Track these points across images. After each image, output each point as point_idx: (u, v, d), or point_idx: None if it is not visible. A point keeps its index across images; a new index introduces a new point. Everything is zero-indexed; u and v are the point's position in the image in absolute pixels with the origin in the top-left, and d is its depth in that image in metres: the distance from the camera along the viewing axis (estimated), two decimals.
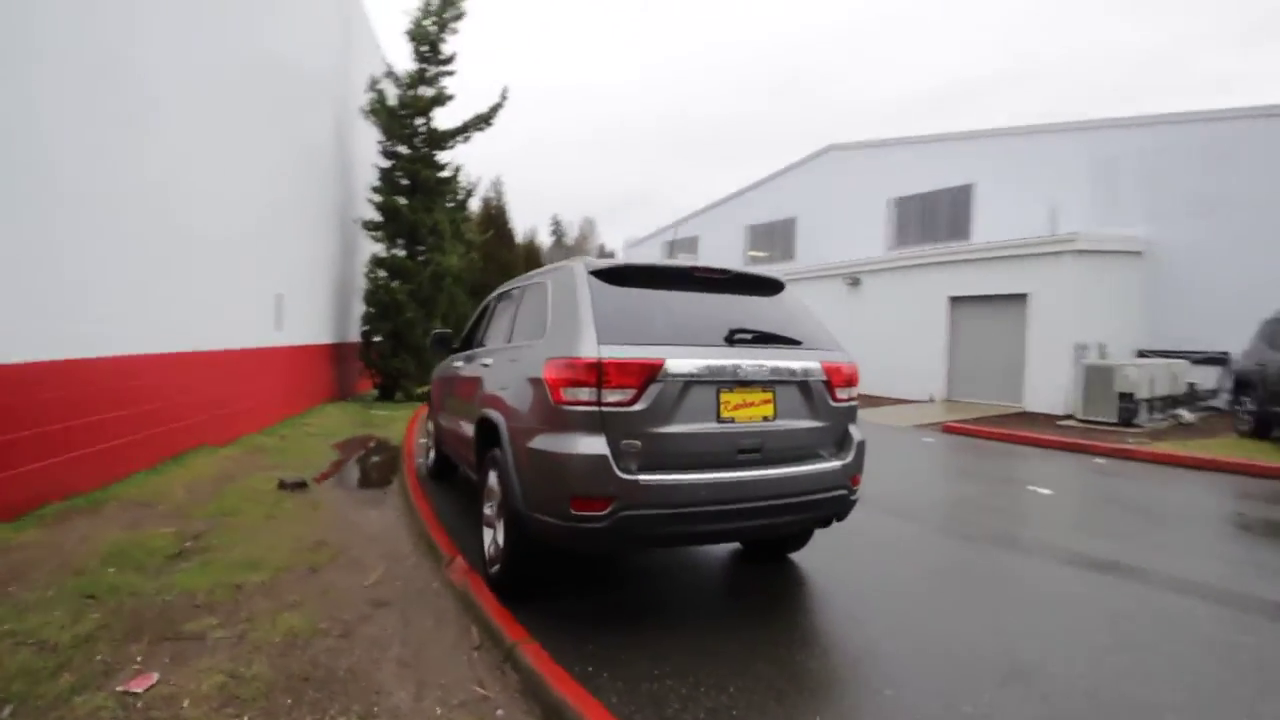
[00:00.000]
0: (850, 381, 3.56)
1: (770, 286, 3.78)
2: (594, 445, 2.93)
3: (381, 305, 11.64)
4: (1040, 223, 16.28)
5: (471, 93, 13.12)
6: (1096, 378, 11.06)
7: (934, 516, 5.51)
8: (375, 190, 12.10)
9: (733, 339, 3.27)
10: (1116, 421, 10.63)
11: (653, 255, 28.11)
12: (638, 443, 2.98)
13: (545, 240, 65.92)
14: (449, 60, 12.27)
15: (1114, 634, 3.27)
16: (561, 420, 3.01)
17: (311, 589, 3.48)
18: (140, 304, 5.66)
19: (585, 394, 2.97)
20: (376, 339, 11.99)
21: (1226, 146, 13.49)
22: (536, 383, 3.18)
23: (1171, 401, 11.50)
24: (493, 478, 3.68)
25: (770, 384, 3.27)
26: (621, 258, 29.03)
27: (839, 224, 20.44)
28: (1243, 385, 9.02)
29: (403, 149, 12.30)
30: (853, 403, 3.59)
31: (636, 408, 2.98)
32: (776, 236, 22.82)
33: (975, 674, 2.82)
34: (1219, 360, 13.30)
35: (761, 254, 24.32)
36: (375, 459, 7.31)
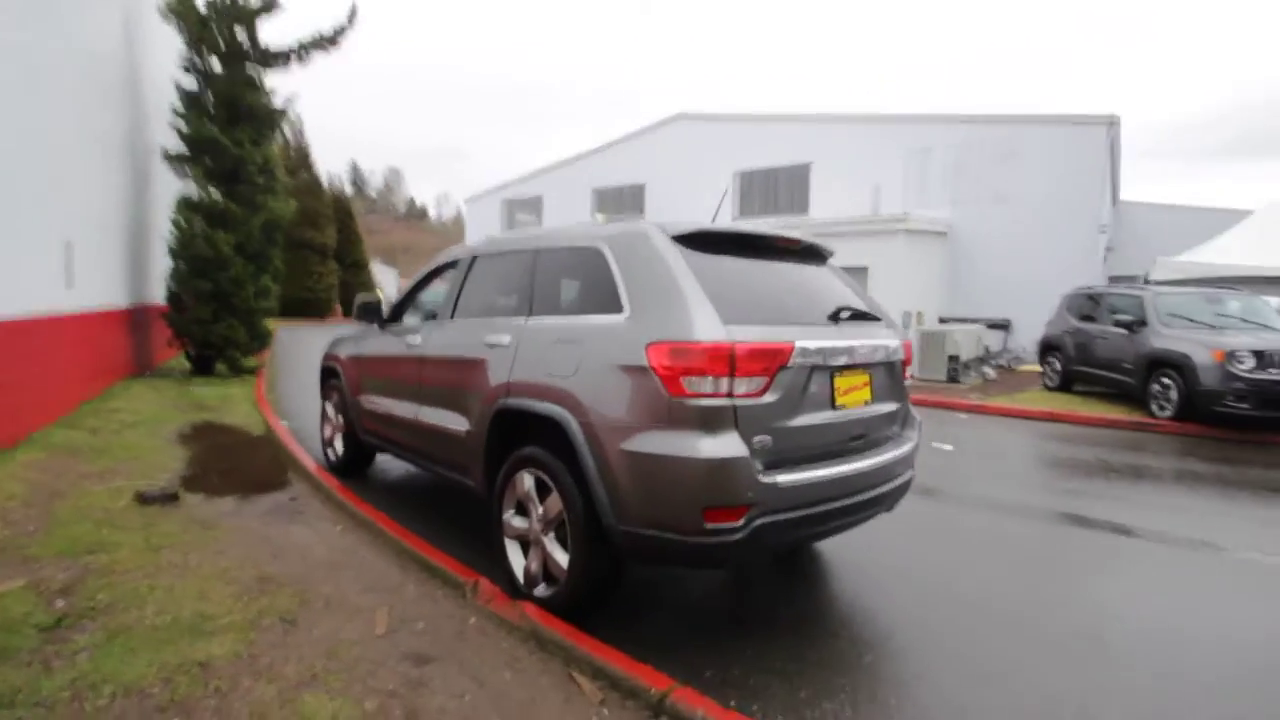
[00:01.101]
0: (910, 360, 3.47)
1: (822, 256, 3.52)
2: (731, 445, 2.47)
3: (198, 260, 9.34)
4: (865, 203, 18.03)
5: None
6: (930, 342, 12.59)
7: None
8: (180, 115, 9.58)
9: (837, 317, 2.97)
10: (945, 379, 12.22)
11: (492, 214, 26.45)
12: (769, 439, 2.57)
13: (346, 190, 59.10)
14: None
15: (1147, 581, 3.63)
16: (681, 416, 2.49)
17: (310, 652, 2.57)
18: None
19: (711, 385, 2.48)
20: (189, 299, 9.67)
21: (1015, 146, 15.94)
22: (635, 371, 2.60)
23: (979, 361, 13.54)
24: (527, 482, 3.02)
25: (869, 366, 3.04)
26: (465, 213, 26.79)
27: (688, 192, 20.79)
28: (1050, 348, 10.84)
29: (216, 65, 9.85)
30: (910, 381, 3.51)
31: (766, 399, 2.57)
32: (625, 202, 22.66)
33: (1069, 645, 2.91)
34: (1002, 326, 15.97)
35: (607, 217, 24.04)
36: (243, 453, 5.86)
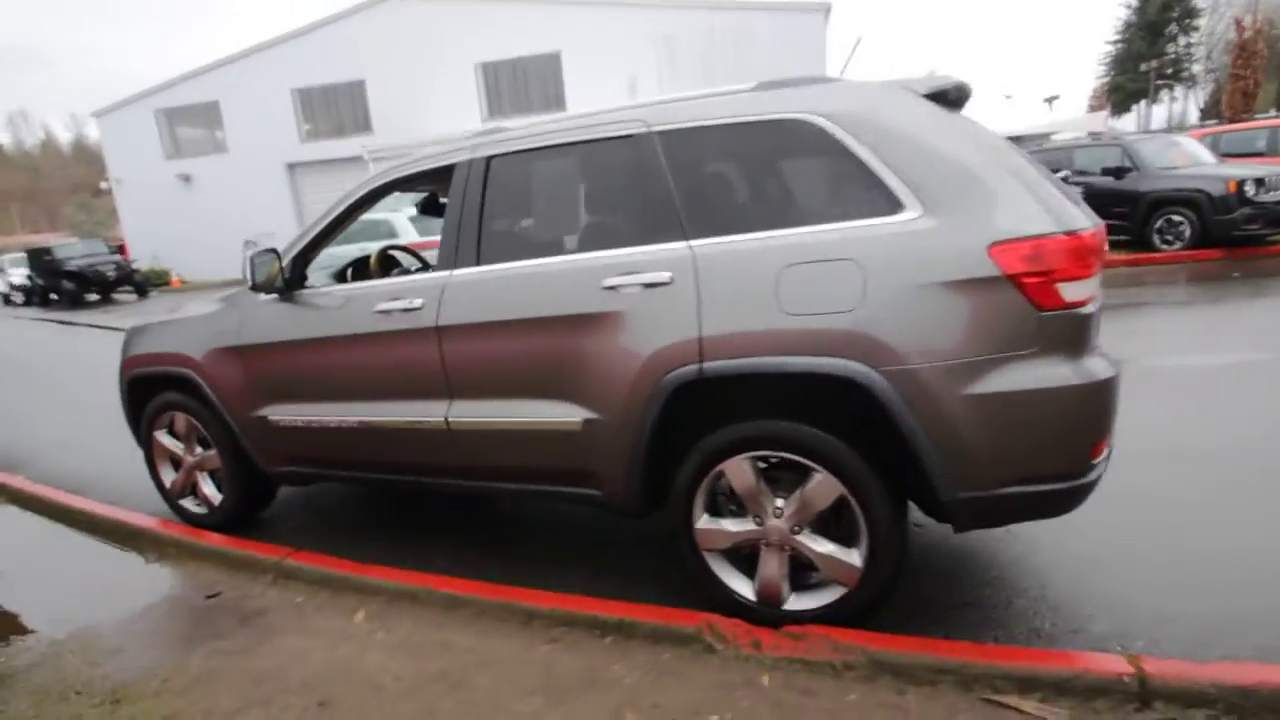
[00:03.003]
0: None
1: None
2: (1106, 359, 1.98)
3: None
4: (623, 95, 17.60)
5: None
6: None
7: None
8: None
9: (1066, 180, 2.56)
10: None
11: (142, 129, 19.84)
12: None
13: None
14: None
15: None
16: (1056, 334, 1.89)
17: None
18: None
19: (1084, 288, 1.91)
20: None
21: (752, 31, 16.75)
22: (975, 286, 1.88)
23: None
24: (746, 473, 2.16)
25: None
26: (100, 132, 19.86)
27: (423, 90, 17.96)
28: None
29: None
30: None
31: (1101, 296, 2.09)
32: (341, 103, 18.77)
33: None
34: None
35: (316, 126, 19.74)
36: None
